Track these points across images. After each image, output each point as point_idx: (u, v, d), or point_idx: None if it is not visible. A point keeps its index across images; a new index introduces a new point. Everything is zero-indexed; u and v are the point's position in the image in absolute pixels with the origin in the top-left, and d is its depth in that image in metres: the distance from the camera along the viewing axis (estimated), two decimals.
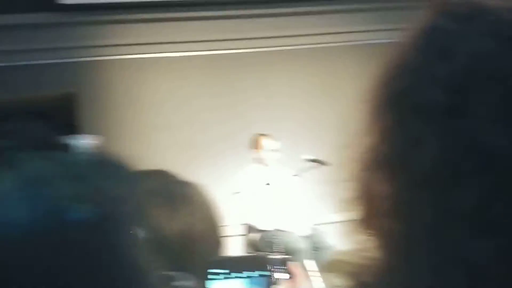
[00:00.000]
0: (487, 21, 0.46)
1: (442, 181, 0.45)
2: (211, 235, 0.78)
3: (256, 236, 4.13)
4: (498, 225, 0.43)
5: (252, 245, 4.17)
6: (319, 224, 5.48)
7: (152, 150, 5.79)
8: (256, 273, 0.67)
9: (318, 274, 3.84)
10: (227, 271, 0.65)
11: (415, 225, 0.47)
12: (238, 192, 3.77)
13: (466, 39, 0.45)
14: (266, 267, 0.67)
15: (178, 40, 5.88)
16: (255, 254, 0.75)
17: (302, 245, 3.82)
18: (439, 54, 0.46)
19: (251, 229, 4.16)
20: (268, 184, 3.69)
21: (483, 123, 0.43)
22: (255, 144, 4.27)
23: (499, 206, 0.43)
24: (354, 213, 0.54)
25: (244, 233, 4.27)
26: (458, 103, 0.44)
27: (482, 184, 0.43)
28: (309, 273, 3.82)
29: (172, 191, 0.77)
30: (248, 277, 0.66)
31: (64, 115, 5.84)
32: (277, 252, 3.68)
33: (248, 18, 6.09)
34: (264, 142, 4.24)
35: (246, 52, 6.12)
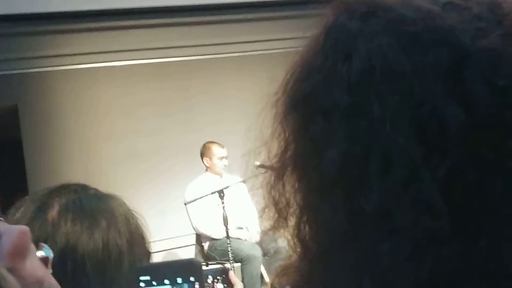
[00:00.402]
0: (384, 18, 0.45)
1: (347, 184, 0.44)
2: (134, 248, 0.75)
3: (208, 245, 4.08)
4: (401, 226, 0.41)
5: (204, 254, 4.13)
6: (268, 230, 5.49)
7: (97, 161, 5.67)
8: (180, 280, 0.64)
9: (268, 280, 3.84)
10: (148, 278, 0.61)
11: (325, 230, 0.46)
12: (189, 202, 3.72)
13: (364, 38, 0.45)
14: (196, 274, 0.64)
15: (121, 48, 5.78)
16: (186, 260, 0.73)
17: (254, 252, 3.80)
18: (340, 54, 0.45)
19: (202, 238, 4.12)
20: (219, 192, 3.65)
21: (383, 122, 0.42)
22: (205, 153, 4.23)
23: (400, 207, 0.41)
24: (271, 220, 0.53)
25: (195, 243, 4.22)
26: (359, 102, 0.43)
27: (385, 184, 0.42)
28: (264, 279, 3.82)
29: (87, 206, 0.73)
30: (172, 285, 0.63)
31: (7, 129, 5.64)
32: (229, 260, 3.64)
33: (194, 25, 6.05)
34: (215, 150, 4.20)
35: (192, 59, 6.09)
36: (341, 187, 0.44)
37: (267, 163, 0.52)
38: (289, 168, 0.49)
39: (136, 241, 0.75)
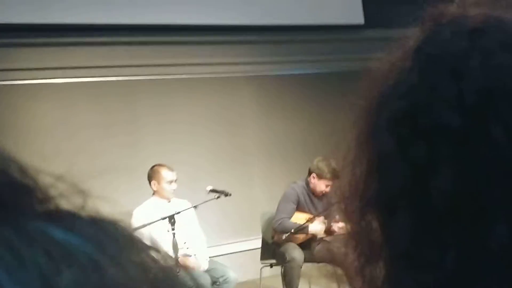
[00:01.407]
0: (499, 34, 0.41)
1: (462, 217, 0.38)
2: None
3: None
4: None
5: None
6: (219, 256, 5.41)
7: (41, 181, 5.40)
8: None
9: None
10: None
11: (430, 275, 0.38)
12: (136, 228, 3.58)
13: (478, 56, 0.41)
14: None
15: (65, 65, 5.59)
16: None
17: (202, 280, 3.70)
18: (445, 72, 0.41)
19: None
20: (169, 218, 3.53)
21: (507, 147, 0.38)
22: (153, 176, 4.09)
23: None
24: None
25: None
26: (475, 125, 0.39)
27: None
28: None
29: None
30: None
31: None
32: None
33: (142, 45, 5.95)
34: (164, 173, 4.07)
35: (139, 79, 5.97)
36: (453, 222, 0.38)
37: (345, 192, 0.45)
38: (376, 199, 0.43)
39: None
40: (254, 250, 5.20)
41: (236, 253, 5.94)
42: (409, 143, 0.41)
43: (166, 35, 6.00)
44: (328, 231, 4.29)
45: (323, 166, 4.27)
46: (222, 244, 5.90)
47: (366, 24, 6.96)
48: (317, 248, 4.37)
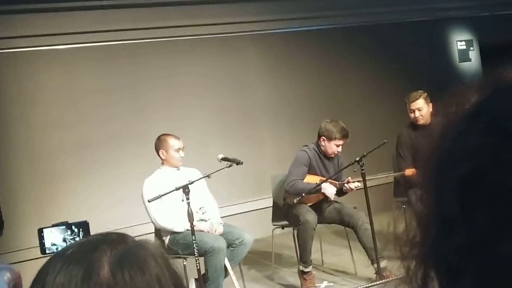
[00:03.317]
0: None
1: None
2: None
3: (169, 238, 3.99)
4: None
5: (165, 248, 4.03)
6: (231, 215, 5.47)
7: (44, 150, 5.40)
8: None
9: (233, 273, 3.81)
10: None
11: None
12: (153, 199, 3.59)
13: None
14: None
15: (66, 31, 5.48)
16: None
17: (219, 244, 3.75)
18: (509, 137, 0.41)
19: (163, 232, 4.01)
20: (183, 188, 3.54)
21: None
22: (160, 145, 4.07)
23: None
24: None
25: (155, 236, 4.11)
26: None
27: None
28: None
29: (134, 258, 0.70)
30: None
31: None
32: (193, 253, 3.58)
33: (143, 7, 5.81)
34: (171, 142, 4.04)
35: (145, 42, 5.86)
36: None
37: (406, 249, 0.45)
38: (436, 261, 0.43)
39: (178, 282, 0.71)
40: (265, 209, 5.25)
41: (248, 213, 6.00)
42: (474, 207, 0.40)
43: None
44: (340, 192, 4.32)
45: (331, 127, 4.28)
46: (234, 204, 5.95)
47: None
48: (328, 209, 4.40)
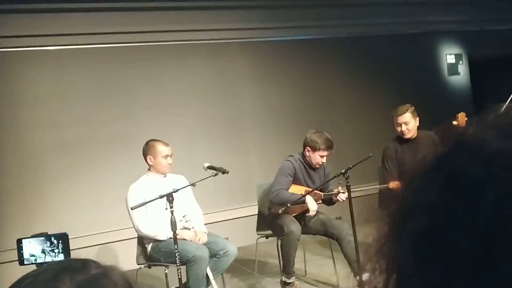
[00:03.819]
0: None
1: None
2: None
3: (151, 246, 3.97)
4: None
5: (147, 255, 4.01)
6: (215, 222, 5.46)
7: (32, 149, 5.37)
8: None
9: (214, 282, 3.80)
10: None
11: None
12: (136, 206, 3.57)
13: (491, 186, 0.41)
14: None
15: (56, 32, 5.47)
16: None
17: (201, 253, 3.73)
18: (462, 197, 0.42)
19: (145, 239, 4.00)
20: (167, 196, 3.52)
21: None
22: (148, 151, 4.05)
23: None
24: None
25: (137, 243, 4.09)
26: (486, 256, 0.39)
27: None
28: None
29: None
30: None
31: None
32: (174, 262, 3.57)
33: (135, 10, 5.80)
34: (160, 148, 4.02)
35: (135, 45, 5.85)
36: None
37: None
38: None
39: None
40: (251, 217, 5.24)
41: (233, 220, 5.99)
42: (427, 263, 0.41)
43: (160, 0, 5.84)
44: (329, 201, 4.33)
45: (316, 138, 4.29)
46: (219, 211, 5.95)
47: None
48: (313, 220, 4.41)
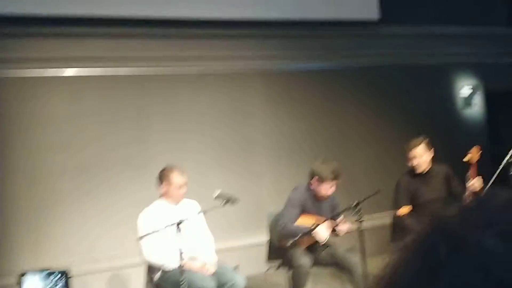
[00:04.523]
0: (473, 254, 0.43)
1: None
2: None
3: (158, 275, 3.93)
4: None
5: (155, 285, 3.97)
6: (224, 250, 5.42)
7: (43, 172, 5.40)
8: None
9: None
10: None
11: None
12: (143, 236, 3.55)
13: (450, 271, 0.43)
14: None
15: (71, 56, 5.54)
16: None
17: (208, 284, 3.69)
18: (427, 279, 0.44)
19: (154, 269, 3.96)
20: (175, 224, 3.50)
21: None
22: (164, 179, 4.01)
23: None
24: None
25: (147, 273, 4.06)
26: None
27: None
28: None
29: None
30: None
31: None
32: None
33: (153, 38, 5.87)
34: (175, 178, 3.95)
35: (151, 75, 5.90)
36: None
37: None
38: None
39: None
40: (260, 246, 5.19)
41: (245, 247, 5.93)
42: None
43: (176, 28, 5.92)
44: (334, 232, 4.26)
45: (323, 169, 4.20)
46: (231, 238, 5.89)
47: (381, 20, 6.84)
48: (323, 253, 4.34)
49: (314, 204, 4.30)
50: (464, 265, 0.42)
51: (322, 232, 4.08)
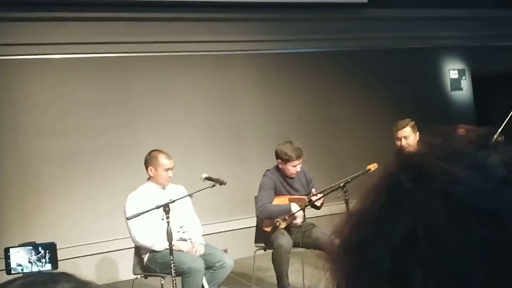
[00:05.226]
0: (433, 187, 0.43)
1: None
2: None
3: (148, 256, 3.95)
4: None
5: (143, 266, 4.00)
6: (214, 233, 5.45)
7: (31, 158, 5.37)
8: None
9: None
10: None
11: None
12: (131, 217, 3.56)
13: (411, 203, 0.43)
14: None
15: (60, 41, 5.49)
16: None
17: (196, 265, 3.71)
18: (392, 212, 0.44)
19: (142, 249, 3.98)
20: (164, 206, 3.51)
21: None
22: (151, 162, 4.02)
23: None
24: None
25: (134, 253, 4.08)
26: (402, 271, 0.42)
27: None
28: None
29: None
30: None
31: None
32: (170, 273, 3.55)
33: (138, 20, 5.83)
34: (162, 161, 3.97)
35: (138, 56, 5.87)
36: None
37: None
38: None
39: None
40: (249, 228, 5.22)
41: (234, 231, 5.96)
42: (358, 273, 0.44)
43: (164, 11, 5.87)
44: (315, 205, 4.34)
45: (285, 149, 4.32)
46: (220, 222, 5.92)
47: (370, 3, 6.83)
48: (304, 233, 4.41)
49: (286, 183, 4.42)
50: (428, 193, 0.42)
51: (297, 207, 4.20)
